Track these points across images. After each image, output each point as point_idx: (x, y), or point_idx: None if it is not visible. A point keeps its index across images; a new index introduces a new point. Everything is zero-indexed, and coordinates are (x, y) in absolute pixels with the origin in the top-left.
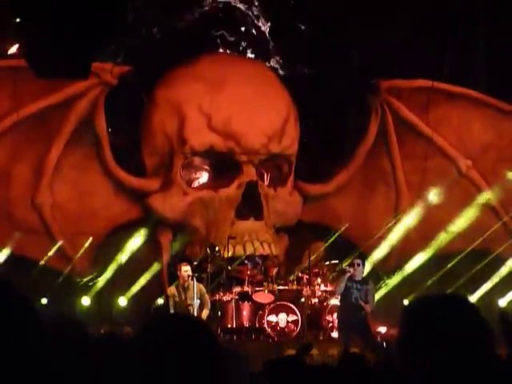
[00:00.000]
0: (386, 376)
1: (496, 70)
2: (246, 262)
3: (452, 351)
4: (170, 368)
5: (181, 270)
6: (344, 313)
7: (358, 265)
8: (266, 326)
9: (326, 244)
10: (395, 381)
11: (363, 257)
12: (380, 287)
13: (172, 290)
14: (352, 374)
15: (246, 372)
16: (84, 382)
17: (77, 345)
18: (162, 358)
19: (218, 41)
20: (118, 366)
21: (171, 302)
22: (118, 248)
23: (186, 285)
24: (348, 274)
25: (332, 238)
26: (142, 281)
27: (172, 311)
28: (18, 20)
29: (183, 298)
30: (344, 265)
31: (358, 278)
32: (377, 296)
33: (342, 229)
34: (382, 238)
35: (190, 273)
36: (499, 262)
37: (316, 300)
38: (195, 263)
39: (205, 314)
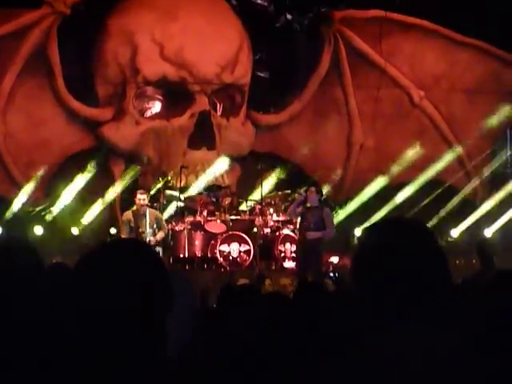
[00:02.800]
0: (339, 305)
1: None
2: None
3: (402, 274)
4: (113, 291)
5: (136, 197)
6: (300, 240)
7: (312, 192)
8: (218, 255)
9: (279, 174)
10: (347, 310)
11: (318, 185)
12: (332, 217)
13: (127, 214)
14: (308, 303)
15: (193, 294)
16: (33, 310)
17: (28, 270)
18: (105, 281)
19: None
20: (65, 295)
21: (126, 228)
22: (71, 177)
23: (141, 212)
24: (301, 198)
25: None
26: (95, 210)
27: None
28: None
29: (138, 224)
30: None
31: (314, 204)
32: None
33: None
34: (335, 167)
35: (146, 201)
36: (452, 192)
37: (268, 230)
38: (151, 192)
39: (160, 236)
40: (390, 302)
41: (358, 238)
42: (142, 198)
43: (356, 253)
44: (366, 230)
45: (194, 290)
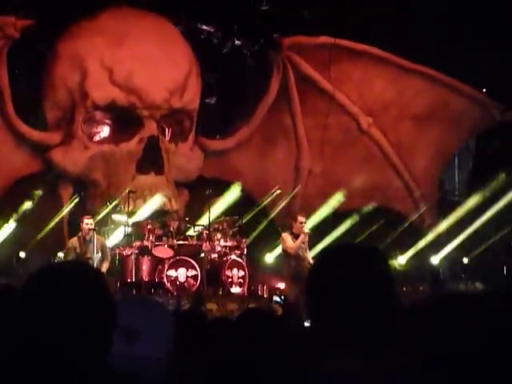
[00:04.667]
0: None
1: (397, 27)
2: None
3: (352, 299)
4: (56, 314)
5: (83, 222)
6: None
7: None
8: (165, 280)
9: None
10: (295, 333)
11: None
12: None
13: (73, 241)
14: (250, 327)
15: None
16: None
17: None
18: (48, 303)
19: None
20: (8, 317)
21: (72, 254)
22: (19, 201)
23: (87, 237)
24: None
25: (232, 193)
26: (43, 234)
27: None
28: None
29: (84, 250)
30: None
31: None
32: (276, 252)
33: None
34: (282, 194)
35: (92, 226)
36: (400, 219)
37: (216, 255)
38: (99, 217)
39: (105, 267)
40: (337, 326)
41: (311, 263)
42: (88, 222)
43: (309, 277)
44: (319, 255)
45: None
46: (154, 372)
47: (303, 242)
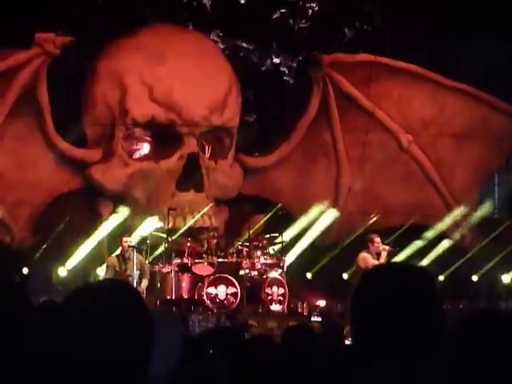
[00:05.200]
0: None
1: (437, 44)
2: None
3: (399, 318)
4: (95, 331)
5: (122, 240)
6: None
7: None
8: (205, 297)
9: (266, 217)
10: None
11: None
12: (320, 261)
13: (112, 259)
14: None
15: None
16: (21, 350)
17: (17, 311)
18: (86, 322)
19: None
20: (53, 332)
21: (111, 272)
22: (59, 218)
23: (126, 255)
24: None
25: (272, 212)
26: (83, 251)
27: None
28: None
29: (123, 268)
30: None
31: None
32: (317, 269)
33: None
34: (322, 211)
35: (131, 244)
36: (439, 236)
37: (256, 273)
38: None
39: (144, 284)
40: (377, 346)
41: (360, 282)
42: (127, 240)
43: (356, 295)
44: (366, 274)
45: (182, 330)
46: None
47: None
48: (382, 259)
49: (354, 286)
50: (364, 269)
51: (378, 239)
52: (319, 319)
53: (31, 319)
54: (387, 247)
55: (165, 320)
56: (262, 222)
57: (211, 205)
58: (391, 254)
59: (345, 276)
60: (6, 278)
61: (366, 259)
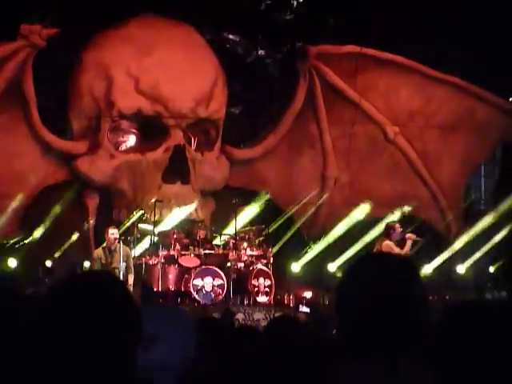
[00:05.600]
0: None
1: (423, 36)
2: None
3: (383, 309)
4: (80, 325)
5: (108, 232)
6: None
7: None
8: (191, 289)
9: (252, 209)
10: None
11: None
12: (306, 252)
13: (98, 252)
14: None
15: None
16: (12, 340)
17: (9, 301)
18: (72, 314)
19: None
20: (33, 326)
21: (97, 265)
22: (45, 210)
23: (112, 248)
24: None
25: (258, 204)
26: (69, 243)
27: None
28: None
29: (109, 260)
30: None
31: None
32: (303, 261)
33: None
34: (308, 203)
35: (117, 236)
36: (426, 228)
37: (242, 264)
38: (123, 227)
39: (131, 277)
40: (362, 337)
41: (344, 272)
42: (113, 232)
43: (340, 286)
44: (348, 265)
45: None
46: (164, 377)
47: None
48: (407, 248)
49: None
50: None
51: (399, 227)
52: (307, 310)
53: (19, 311)
54: (413, 236)
55: (174, 314)
56: (248, 213)
57: (195, 205)
58: (415, 244)
59: (331, 267)
60: None
61: (391, 247)
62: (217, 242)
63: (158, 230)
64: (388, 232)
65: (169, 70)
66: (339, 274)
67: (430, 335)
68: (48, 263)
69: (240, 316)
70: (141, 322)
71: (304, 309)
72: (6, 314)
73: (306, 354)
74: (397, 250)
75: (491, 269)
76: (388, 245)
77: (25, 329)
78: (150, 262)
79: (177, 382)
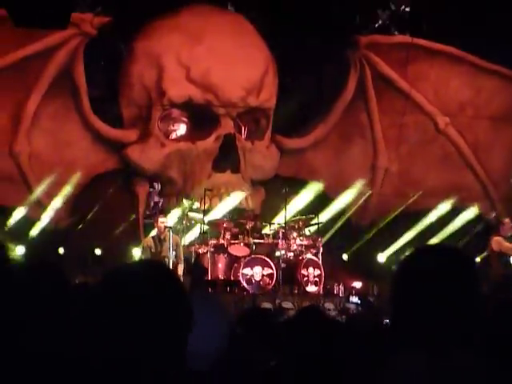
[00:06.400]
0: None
1: (476, 26)
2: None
3: (438, 300)
4: (130, 315)
5: (158, 221)
6: None
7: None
8: (241, 278)
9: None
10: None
11: None
12: (356, 242)
13: (148, 241)
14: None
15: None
16: (59, 331)
17: (55, 291)
18: (122, 304)
19: None
20: (88, 314)
21: (147, 253)
22: (95, 198)
23: (162, 236)
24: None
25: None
26: (118, 231)
27: None
28: None
29: (159, 249)
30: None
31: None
32: (352, 251)
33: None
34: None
35: (167, 224)
36: (476, 218)
37: (291, 254)
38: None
39: (180, 265)
40: (418, 326)
41: (400, 263)
42: (163, 221)
43: (397, 276)
44: (409, 255)
45: (226, 313)
46: (197, 365)
47: None
48: None
49: (492, 270)
50: (498, 252)
51: (509, 222)
52: (358, 300)
53: (69, 301)
54: None
55: (211, 303)
56: (297, 203)
57: (245, 194)
58: None
59: (380, 258)
60: (45, 258)
61: (501, 242)
62: (266, 231)
63: (207, 218)
64: (496, 227)
65: (219, 59)
66: (389, 265)
67: (484, 325)
68: (97, 251)
69: (288, 305)
70: (192, 312)
71: (354, 299)
72: (56, 304)
73: (358, 345)
74: (507, 245)
75: None
76: (498, 240)
77: (78, 317)
78: (200, 251)
79: (210, 372)
